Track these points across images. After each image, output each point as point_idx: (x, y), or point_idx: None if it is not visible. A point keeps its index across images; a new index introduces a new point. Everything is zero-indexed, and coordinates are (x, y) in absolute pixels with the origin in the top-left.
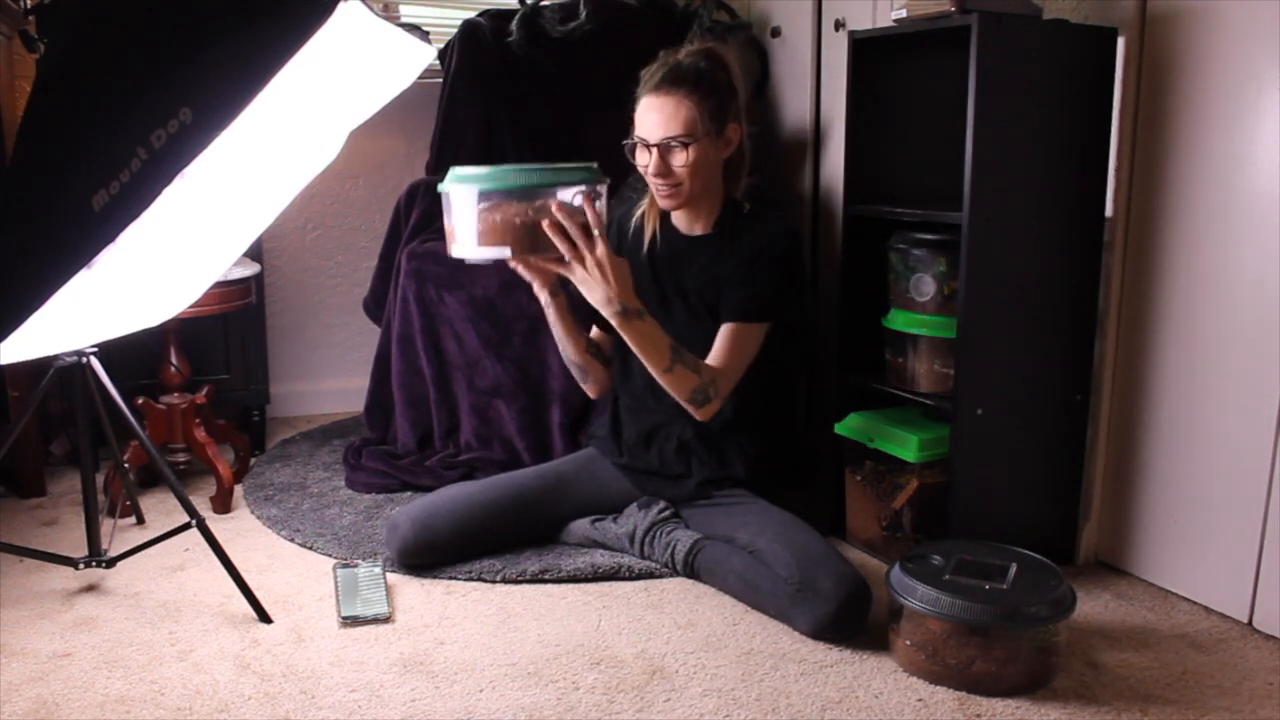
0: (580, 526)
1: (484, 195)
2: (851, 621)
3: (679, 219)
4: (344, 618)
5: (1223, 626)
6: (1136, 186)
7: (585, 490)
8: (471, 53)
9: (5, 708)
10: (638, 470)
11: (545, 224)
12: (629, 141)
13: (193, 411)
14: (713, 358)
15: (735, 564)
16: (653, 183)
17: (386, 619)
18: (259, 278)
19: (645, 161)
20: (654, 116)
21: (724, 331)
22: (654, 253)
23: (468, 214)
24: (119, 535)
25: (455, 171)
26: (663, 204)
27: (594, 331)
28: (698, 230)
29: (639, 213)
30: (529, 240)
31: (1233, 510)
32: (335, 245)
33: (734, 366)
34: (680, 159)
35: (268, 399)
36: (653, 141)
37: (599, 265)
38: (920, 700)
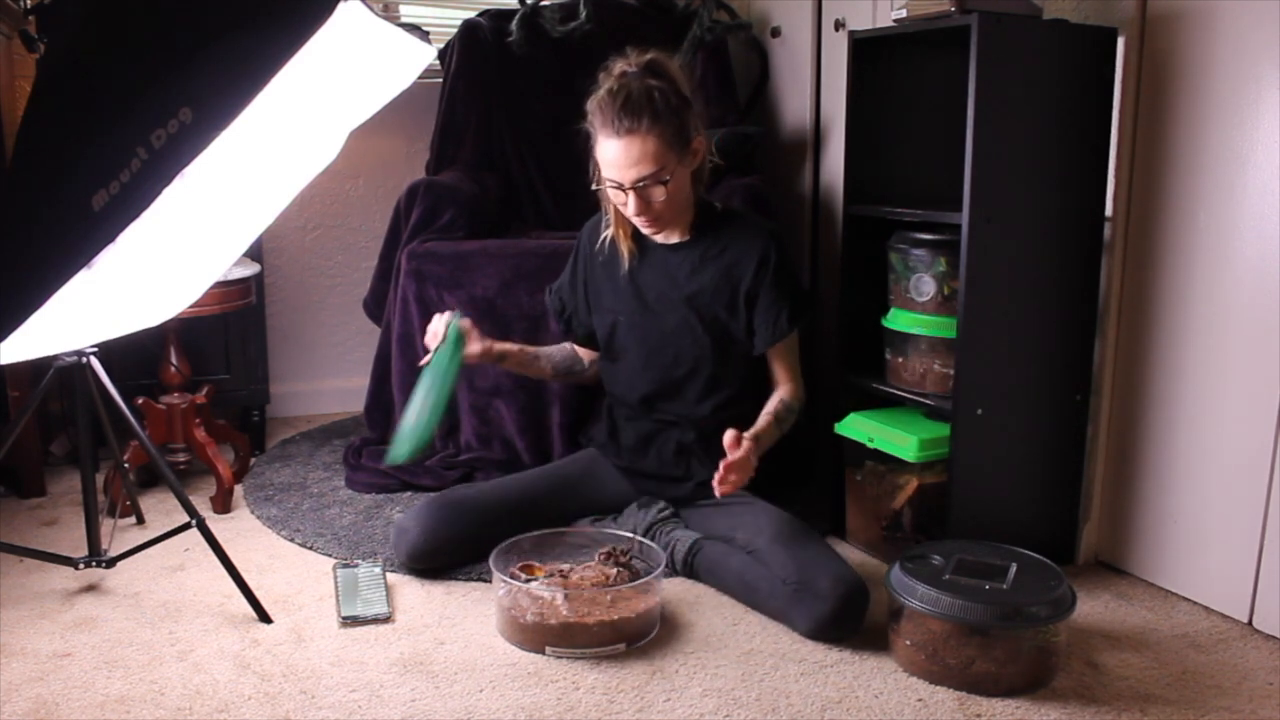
0: (581, 526)
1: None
2: (849, 622)
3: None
4: (344, 618)
5: (1223, 626)
6: (1136, 186)
7: (588, 491)
8: (471, 53)
9: (5, 708)
10: (636, 472)
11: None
12: (598, 186)
13: (193, 411)
14: (778, 377)
15: (734, 564)
16: (634, 220)
17: (387, 619)
18: (259, 278)
19: (621, 200)
20: (621, 159)
21: (775, 355)
22: (634, 268)
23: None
24: (119, 535)
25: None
26: (647, 233)
27: (579, 352)
28: (675, 239)
29: (608, 231)
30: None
31: (1233, 510)
32: (335, 245)
33: (798, 374)
34: (659, 194)
35: (268, 399)
36: (627, 185)
37: (741, 472)
38: (920, 700)
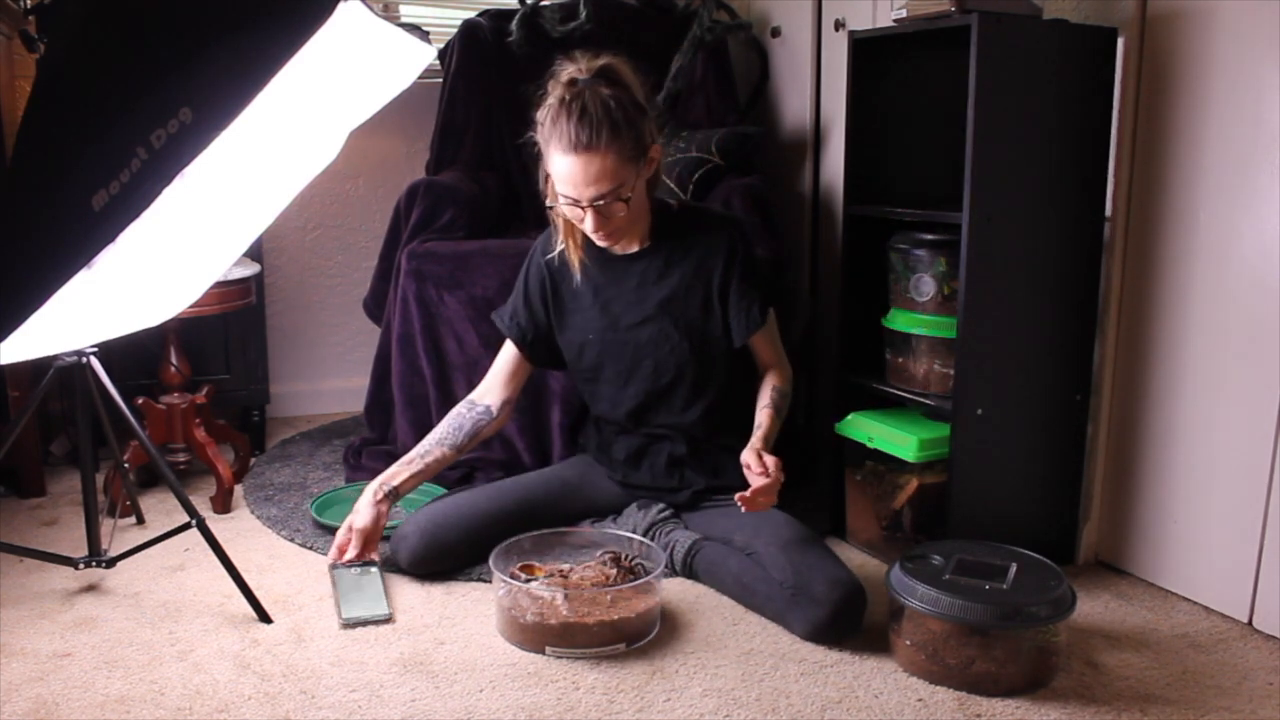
0: (581, 528)
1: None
2: (846, 625)
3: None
4: (345, 620)
5: (1223, 626)
6: (1136, 186)
7: (587, 494)
8: (471, 53)
9: (5, 708)
10: (630, 485)
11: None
12: (552, 204)
13: (193, 411)
14: (764, 361)
15: (732, 566)
16: (591, 235)
17: (388, 619)
18: (259, 278)
19: (579, 217)
20: (579, 176)
21: (756, 342)
22: (590, 280)
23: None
24: (119, 535)
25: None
26: (604, 245)
27: (498, 389)
28: (635, 247)
29: (560, 245)
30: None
31: (1233, 510)
32: (335, 245)
33: (783, 355)
34: (619, 210)
35: (268, 399)
36: (585, 203)
37: (771, 494)
38: (920, 700)
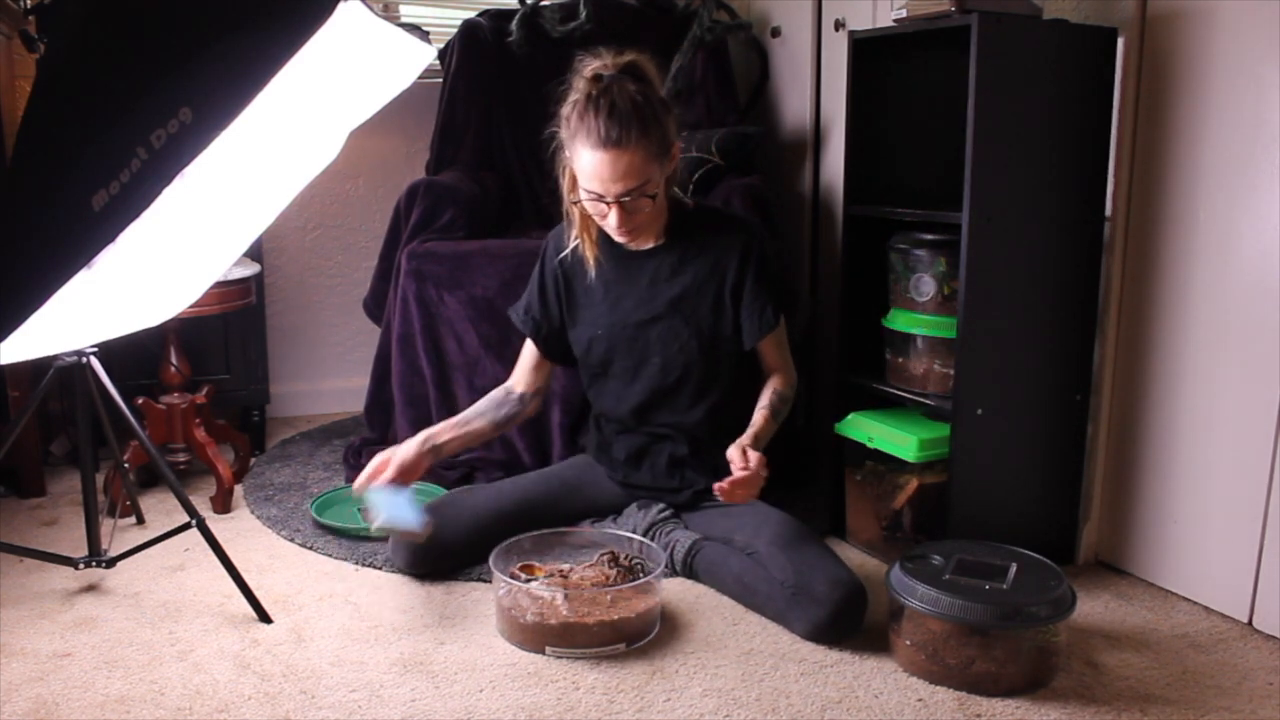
0: (582, 528)
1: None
2: (847, 625)
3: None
4: (376, 528)
5: (1223, 626)
6: (1136, 186)
7: (586, 494)
8: (471, 53)
9: (5, 708)
10: (631, 485)
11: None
12: (575, 198)
13: (193, 411)
14: (769, 365)
15: (733, 566)
16: (613, 231)
17: (419, 533)
18: (259, 278)
19: (602, 213)
20: (607, 172)
21: (764, 345)
22: (603, 276)
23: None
24: (119, 535)
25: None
26: (622, 242)
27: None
28: (650, 244)
29: (574, 240)
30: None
31: (1233, 510)
32: (335, 245)
33: (789, 360)
34: (644, 206)
35: (268, 399)
36: (611, 199)
37: (750, 487)
38: (920, 700)
